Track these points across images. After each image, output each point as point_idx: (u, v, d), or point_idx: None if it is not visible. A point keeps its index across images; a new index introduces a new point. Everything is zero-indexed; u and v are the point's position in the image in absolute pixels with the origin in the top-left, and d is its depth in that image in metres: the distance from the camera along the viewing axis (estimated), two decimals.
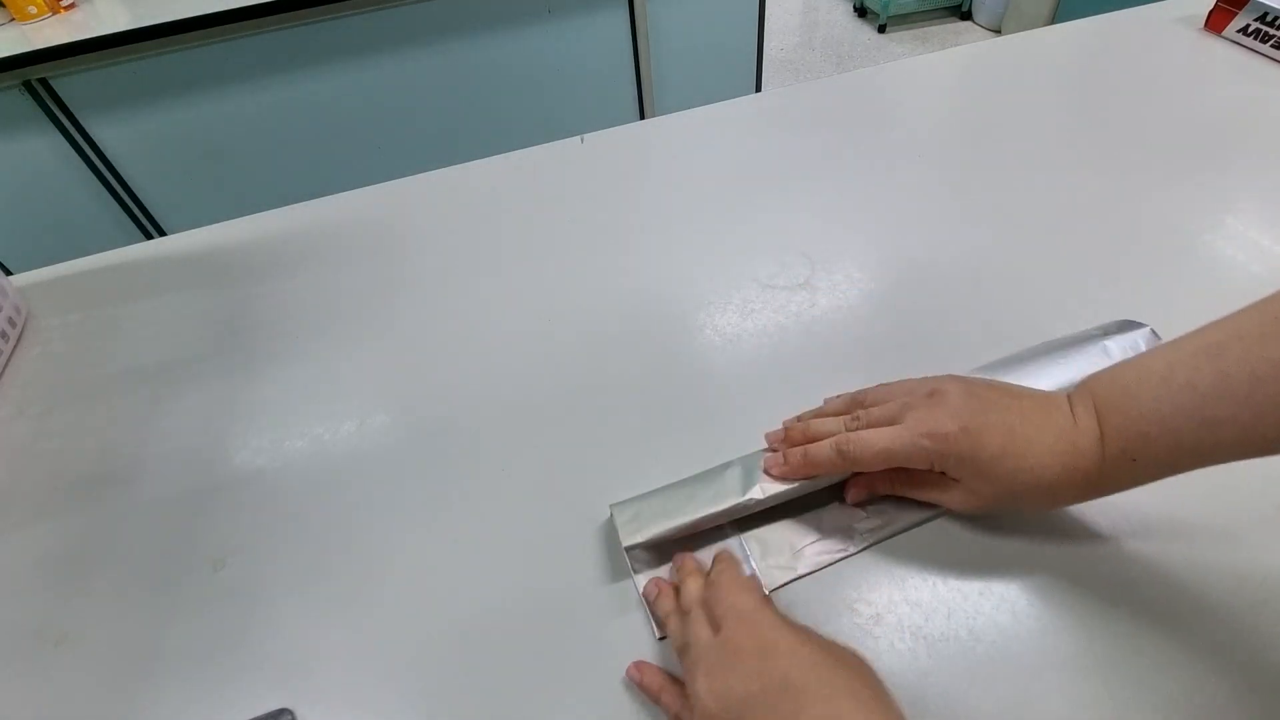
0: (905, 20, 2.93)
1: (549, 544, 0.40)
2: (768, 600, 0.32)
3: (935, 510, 0.38)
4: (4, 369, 0.55)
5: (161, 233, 1.55)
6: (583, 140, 0.73)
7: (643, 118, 1.72)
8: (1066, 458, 0.31)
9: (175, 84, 1.37)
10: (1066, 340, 0.44)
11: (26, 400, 0.53)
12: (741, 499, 0.37)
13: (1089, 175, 0.61)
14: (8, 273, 0.64)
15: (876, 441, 0.34)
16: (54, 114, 1.32)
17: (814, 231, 0.58)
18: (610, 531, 0.39)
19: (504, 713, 0.34)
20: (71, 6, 1.42)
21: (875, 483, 0.38)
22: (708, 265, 0.56)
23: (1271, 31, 0.71)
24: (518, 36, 1.53)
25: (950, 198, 0.61)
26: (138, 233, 1.54)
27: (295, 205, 0.69)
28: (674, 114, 0.76)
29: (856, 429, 0.36)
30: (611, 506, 0.39)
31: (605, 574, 0.38)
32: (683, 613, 0.33)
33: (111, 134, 1.40)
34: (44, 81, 1.29)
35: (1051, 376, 0.40)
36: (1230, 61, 0.73)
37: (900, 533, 0.38)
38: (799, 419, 0.41)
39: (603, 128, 0.74)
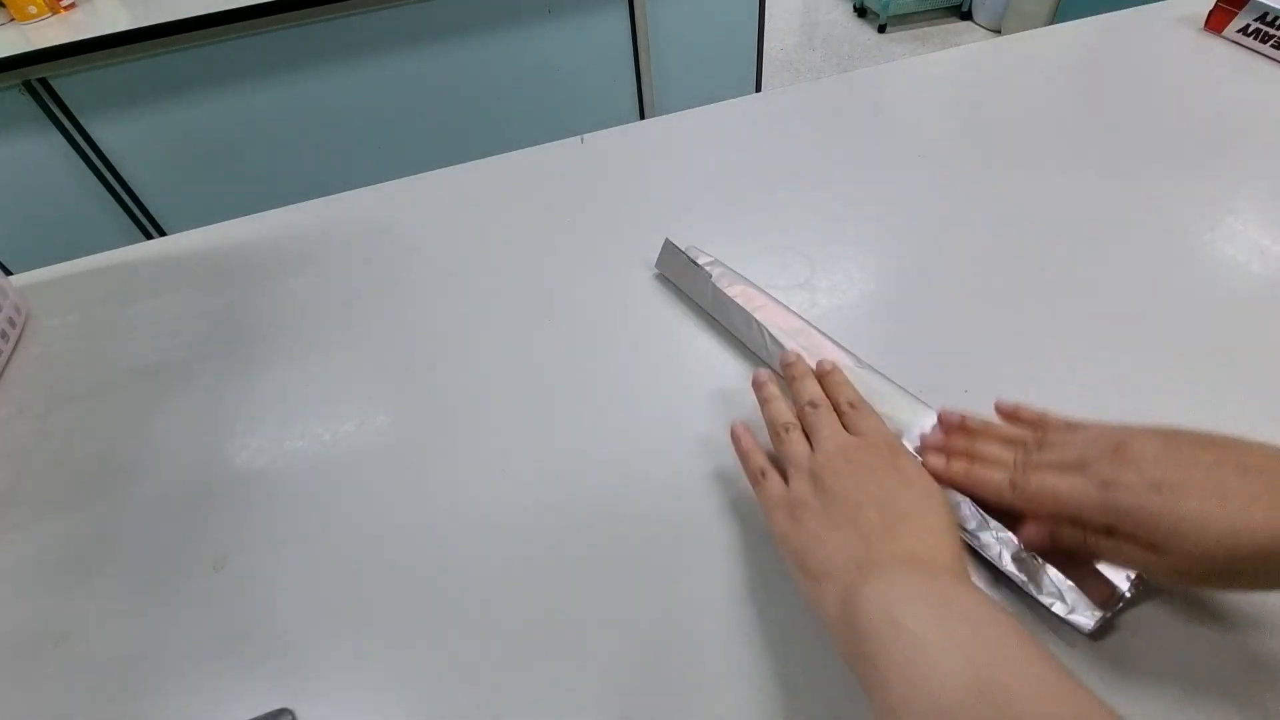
0: (905, 20, 2.93)
1: (550, 543, 0.40)
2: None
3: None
4: (4, 369, 0.55)
5: (161, 233, 1.55)
6: (583, 140, 0.73)
7: (643, 118, 1.72)
8: None
9: (175, 84, 1.37)
10: None
11: (26, 400, 0.53)
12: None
13: (1088, 175, 0.61)
14: (8, 273, 0.64)
15: (1050, 481, 0.31)
16: (54, 114, 1.32)
17: (814, 231, 0.58)
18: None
19: (504, 713, 0.34)
20: (71, 6, 1.42)
21: (1061, 532, 0.32)
22: None
23: (1271, 31, 0.71)
24: (518, 36, 1.53)
25: (950, 197, 0.61)
26: (138, 233, 1.54)
27: (295, 205, 0.69)
28: (674, 114, 0.75)
29: (1025, 462, 0.33)
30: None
31: (615, 571, 0.38)
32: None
33: (111, 134, 1.40)
34: (44, 81, 1.29)
35: None
36: (1230, 61, 0.73)
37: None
38: (963, 422, 0.38)
39: (603, 128, 0.74)
